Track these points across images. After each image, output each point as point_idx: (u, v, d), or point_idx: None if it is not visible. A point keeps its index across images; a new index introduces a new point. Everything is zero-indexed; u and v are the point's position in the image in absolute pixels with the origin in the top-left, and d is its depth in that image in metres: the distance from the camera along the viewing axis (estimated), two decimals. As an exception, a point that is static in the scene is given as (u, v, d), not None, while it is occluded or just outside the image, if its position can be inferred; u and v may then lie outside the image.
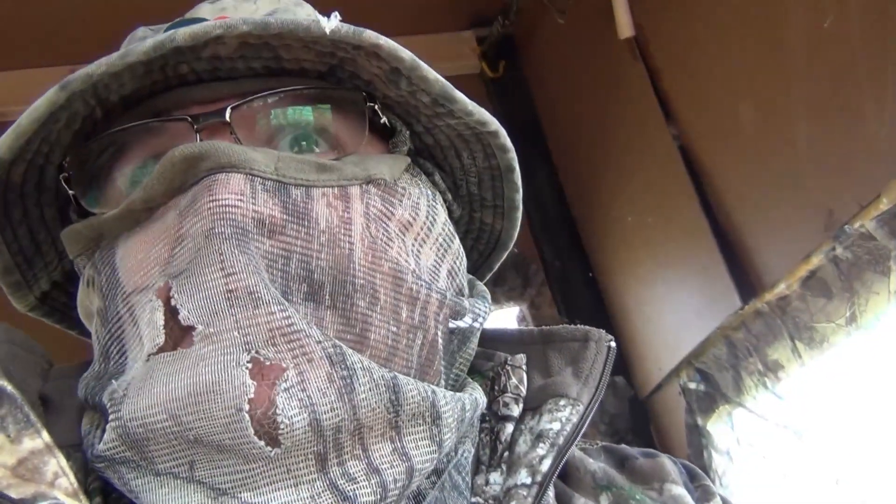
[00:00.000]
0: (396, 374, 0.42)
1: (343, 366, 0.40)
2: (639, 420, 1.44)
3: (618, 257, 1.52)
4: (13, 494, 0.38)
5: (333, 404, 0.39)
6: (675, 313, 1.36)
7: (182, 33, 0.43)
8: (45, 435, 0.40)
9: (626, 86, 1.38)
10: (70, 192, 0.48)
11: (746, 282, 1.16)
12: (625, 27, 1.30)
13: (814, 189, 1.02)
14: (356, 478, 0.40)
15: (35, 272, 0.53)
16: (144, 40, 0.44)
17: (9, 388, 0.41)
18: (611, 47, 1.36)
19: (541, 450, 0.47)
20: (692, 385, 1.28)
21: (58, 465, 0.40)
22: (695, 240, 1.25)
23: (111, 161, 0.48)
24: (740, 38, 1.12)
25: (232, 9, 0.55)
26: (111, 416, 0.41)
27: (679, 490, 0.53)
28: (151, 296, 0.42)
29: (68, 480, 0.40)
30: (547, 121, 1.70)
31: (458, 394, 0.46)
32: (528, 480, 0.46)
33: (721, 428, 1.23)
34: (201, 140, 0.45)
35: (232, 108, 0.45)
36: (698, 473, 0.57)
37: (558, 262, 1.61)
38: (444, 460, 0.46)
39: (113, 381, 0.43)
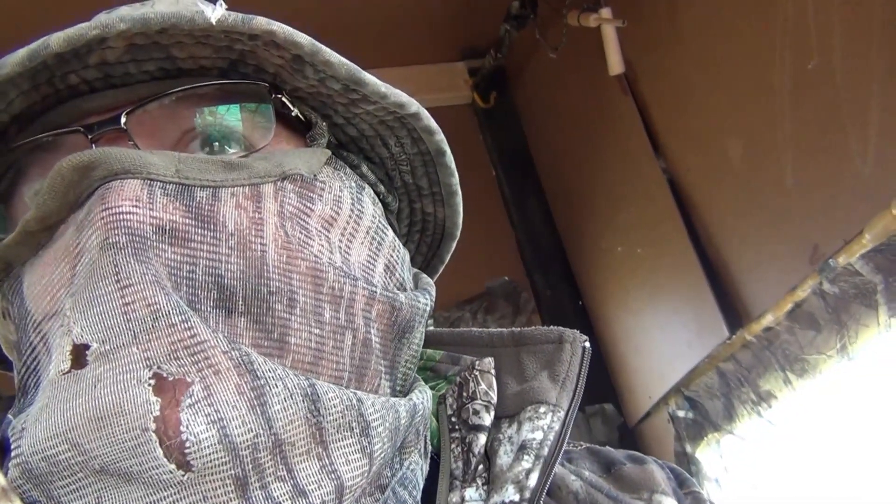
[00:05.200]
0: (315, 381, 0.39)
1: (254, 375, 0.37)
2: (628, 447, 1.45)
3: (608, 287, 1.55)
4: None
5: (245, 418, 0.36)
6: (663, 342, 1.38)
7: (56, 38, 0.40)
8: (1, 478, 0.37)
9: (616, 119, 1.42)
10: None
11: (734, 313, 1.19)
12: (615, 64, 1.34)
13: (799, 224, 1.05)
14: (281, 503, 0.36)
15: None
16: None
17: None
18: (601, 82, 1.40)
19: (526, 462, 0.44)
20: (681, 413, 1.31)
21: None
22: (683, 270, 1.28)
23: (10, 185, 0.46)
24: (728, 76, 1.16)
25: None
26: (13, 452, 0.38)
27: (669, 501, 0.51)
28: (63, 320, 0.39)
29: None
30: (537, 151, 1.73)
31: (392, 399, 0.42)
32: (517, 497, 0.43)
33: (710, 456, 1.26)
34: None
35: (127, 114, 0.42)
36: (687, 479, 0.55)
37: (549, 290, 1.63)
38: (388, 475, 0.43)
39: (10, 415, 0.40)
